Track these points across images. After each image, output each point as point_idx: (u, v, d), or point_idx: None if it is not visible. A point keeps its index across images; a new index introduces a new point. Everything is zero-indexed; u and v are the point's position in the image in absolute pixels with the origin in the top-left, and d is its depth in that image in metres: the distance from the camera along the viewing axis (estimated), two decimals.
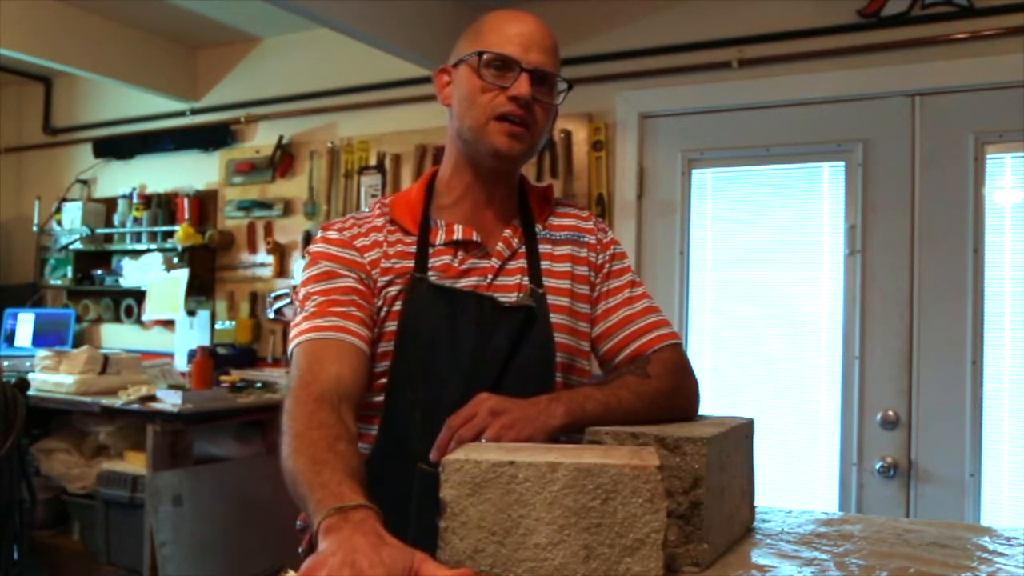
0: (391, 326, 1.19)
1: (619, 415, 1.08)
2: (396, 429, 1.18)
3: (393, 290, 1.20)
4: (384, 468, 1.17)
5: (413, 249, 1.24)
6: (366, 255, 1.22)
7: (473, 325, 1.19)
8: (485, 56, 1.21)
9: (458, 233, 1.24)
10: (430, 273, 1.22)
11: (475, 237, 1.25)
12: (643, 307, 1.28)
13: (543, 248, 1.28)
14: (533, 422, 1.04)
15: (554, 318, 1.23)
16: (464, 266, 1.23)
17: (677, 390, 1.21)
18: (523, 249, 1.27)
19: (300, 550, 1.28)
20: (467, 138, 1.24)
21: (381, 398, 1.19)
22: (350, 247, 1.23)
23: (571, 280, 1.27)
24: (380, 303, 1.19)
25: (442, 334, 1.19)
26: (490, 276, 1.23)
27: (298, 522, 1.28)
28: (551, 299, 1.24)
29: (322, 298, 1.16)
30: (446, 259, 1.24)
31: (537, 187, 1.37)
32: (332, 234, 1.26)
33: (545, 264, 1.26)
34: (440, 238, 1.25)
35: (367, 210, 1.34)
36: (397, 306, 1.20)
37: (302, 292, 1.21)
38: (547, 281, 1.25)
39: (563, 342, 1.23)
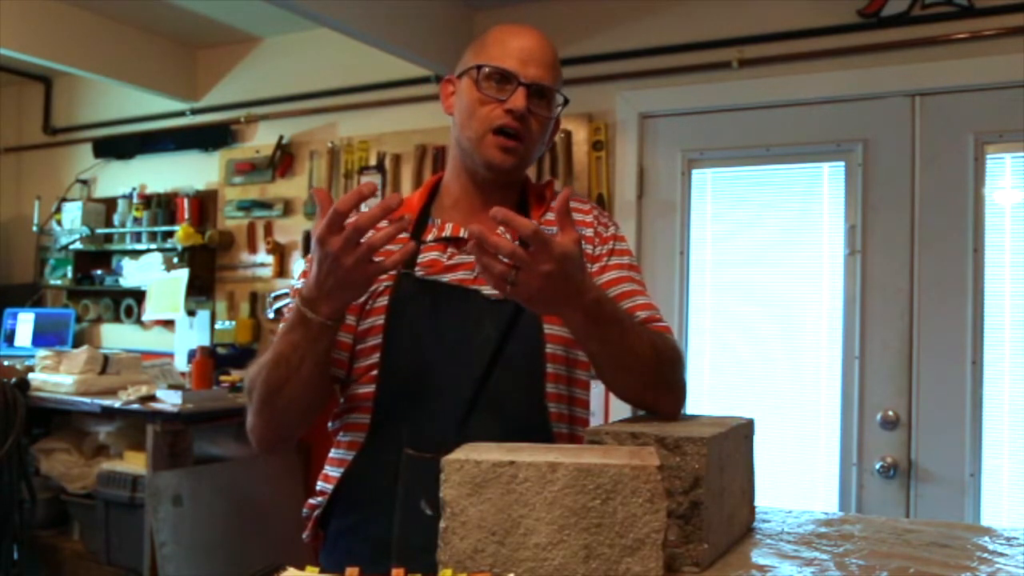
0: (379, 320, 1.24)
1: (627, 340, 1.10)
2: (385, 417, 1.22)
3: (380, 286, 1.23)
4: (374, 454, 1.22)
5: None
6: None
7: (458, 317, 1.23)
8: (485, 70, 1.25)
9: (448, 230, 1.29)
10: (417, 269, 1.26)
11: (463, 234, 1.28)
12: (641, 302, 1.28)
13: None
14: (558, 303, 1.04)
15: None
16: (452, 261, 1.27)
17: (677, 366, 1.20)
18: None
19: (304, 535, 1.31)
20: (465, 147, 1.29)
21: (372, 389, 1.23)
22: None
23: None
24: (366, 298, 1.23)
25: (426, 325, 1.22)
26: (477, 269, 1.25)
27: (304, 510, 1.31)
28: None
29: None
30: (434, 255, 1.28)
31: (536, 185, 1.40)
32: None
33: None
34: (432, 235, 1.30)
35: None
36: (384, 301, 1.24)
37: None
38: None
39: (557, 334, 1.24)
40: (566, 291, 1.02)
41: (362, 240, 1.02)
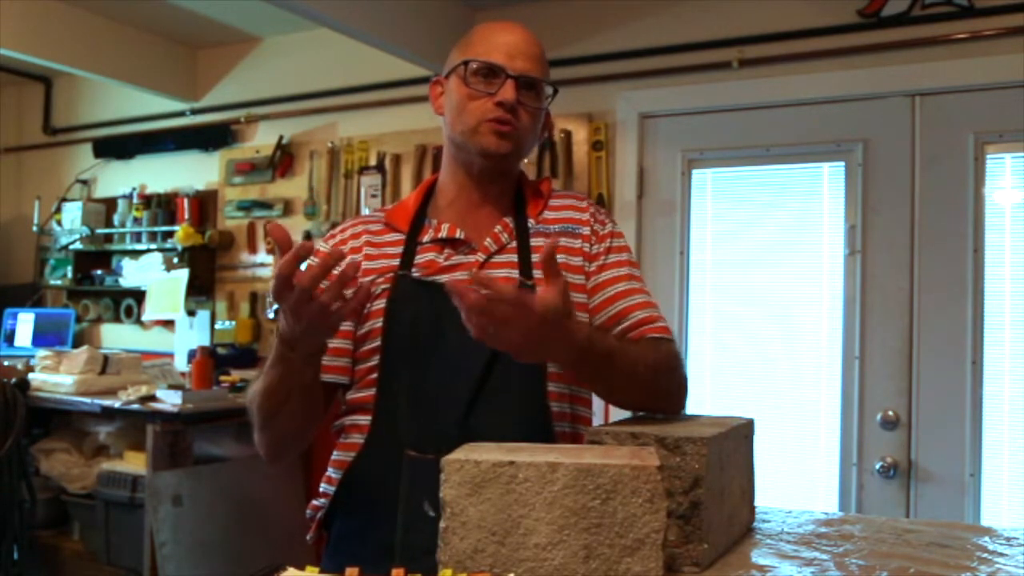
0: (378, 323, 1.24)
1: (623, 366, 1.11)
2: (386, 418, 1.23)
3: (377, 288, 1.24)
4: (375, 456, 1.23)
5: (401, 249, 1.29)
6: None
7: (456, 317, 1.21)
8: (472, 65, 1.26)
9: (443, 231, 1.29)
10: (414, 270, 1.27)
11: (459, 234, 1.29)
12: (639, 301, 1.28)
13: (535, 241, 1.30)
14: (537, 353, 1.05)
15: None
16: (449, 262, 1.27)
17: (675, 372, 1.21)
18: (514, 244, 1.30)
19: (308, 537, 1.32)
20: (459, 142, 1.29)
21: (372, 391, 1.24)
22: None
23: (564, 271, 1.27)
24: None
25: (424, 325, 1.23)
26: (475, 270, 1.25)
27: (307, 511, 1.31)
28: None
29: None
30: (431, 256, 1.28)
31: (533, 182, 1.40)
32: (321, 246, 1.32)
33: (536, 257, 1.27)
34: (428, 236, 1.30)
35: (367, 211, 1.39)
36: (381, 303, 1.24)
37: None
38: (538, 273, 1.25)
39: None
40: (550, 339, 1.02)
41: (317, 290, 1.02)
